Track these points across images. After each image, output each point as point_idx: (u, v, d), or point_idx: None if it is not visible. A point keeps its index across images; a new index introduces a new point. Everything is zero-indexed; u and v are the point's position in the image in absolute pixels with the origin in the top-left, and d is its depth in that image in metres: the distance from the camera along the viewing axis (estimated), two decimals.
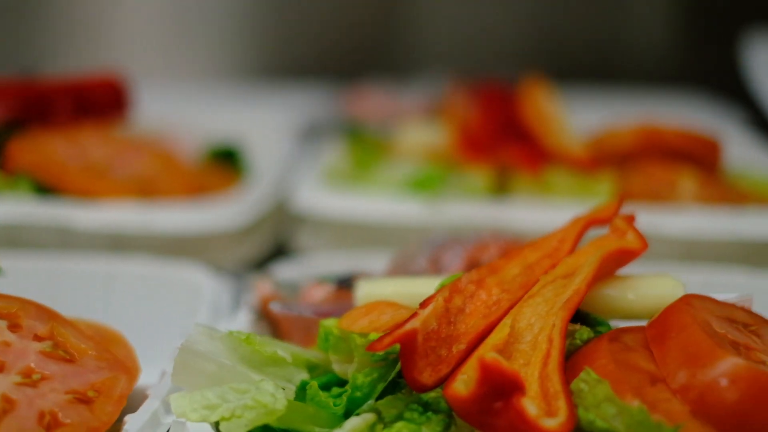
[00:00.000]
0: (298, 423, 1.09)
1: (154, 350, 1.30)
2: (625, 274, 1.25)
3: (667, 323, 1.11)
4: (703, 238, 1.76)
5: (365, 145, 2.21)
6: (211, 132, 2.31)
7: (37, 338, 1.15)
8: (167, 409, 1.15)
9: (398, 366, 1.09)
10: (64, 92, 2.07)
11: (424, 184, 1.90)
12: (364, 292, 1.26)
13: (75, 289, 1.57)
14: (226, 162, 2.19)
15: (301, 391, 1.16)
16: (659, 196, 1.89)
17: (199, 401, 1.08)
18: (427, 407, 1.07)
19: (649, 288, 1.22)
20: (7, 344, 1.12)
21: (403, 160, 2.09)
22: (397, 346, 1.07)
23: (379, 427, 1.07)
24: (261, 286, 1.45)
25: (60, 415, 1.06)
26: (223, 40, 3.25)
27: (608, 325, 1.19)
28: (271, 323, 1.43)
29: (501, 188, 1.93)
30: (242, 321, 1.42)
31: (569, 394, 1.03)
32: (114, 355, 1.18)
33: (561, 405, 1.01)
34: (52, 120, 2.02)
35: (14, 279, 1.44)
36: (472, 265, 1.42)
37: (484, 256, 1.46)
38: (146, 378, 1.25)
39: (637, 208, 1.83)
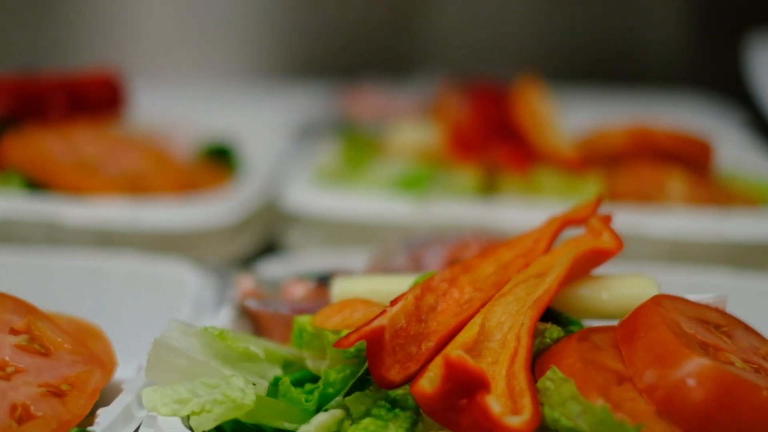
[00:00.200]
0: (267, 418, 1.10)
1: (134, 345, 1.31)
2: (602, 273, 1.26)
3: (636, 323, 1.12)
4: (688, 239, 1.77)
5: (358, 144, 2.22)
6: (208, 130, 2.32)
7: (14, 332, 1.16)
8: (140, 403, 1.17)
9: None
10: (58, 89, 2.08)
11: (412, 184, 1.91)
12: (340, 289, 1.27)
13: (60, 283, 1.59)
14: (220, 160, 2.20)
15: (274, 386, 1.17)
16: (647, 197, 1.90)
17: (171, 396, 1.10)
18: (394, 404, 1.08)
19: (623, 288, 1.22)
20: None
21: (394, 159, 2.09)
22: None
23: (347, 423, 1.08)
24: (242, 283, 1.46)
25: (32, 407, 1.07)
26: (225, 40, 3.26)
27: (580, 325, 1.19)
28: (252, 320, 1.44)
29: (489, 188, 1.93)
30: (224, 317, 1.43)
31: (535, 393, 1.03)
32: (90, 350, 1.19)
33: (526, 403, 1.02)
34: (47, 116, 2.04)
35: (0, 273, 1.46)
36: (453, 264, 1.42)
37: (466, 255, 1.46)
38: (126, 373, 1.27)
39: (624, 208, 1.85)
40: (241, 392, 1.08)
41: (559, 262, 1.19)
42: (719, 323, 1.18)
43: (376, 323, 1.07)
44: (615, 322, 1.19)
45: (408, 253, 1.46)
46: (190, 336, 1.17)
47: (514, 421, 0.99)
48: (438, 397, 1.00)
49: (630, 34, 3.35)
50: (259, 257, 1.86)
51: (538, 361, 1.12)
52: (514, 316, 1.13)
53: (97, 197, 1.83)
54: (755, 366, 1.11)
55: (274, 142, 2.32)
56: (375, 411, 1.07)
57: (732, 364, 1.08)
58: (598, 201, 1.30)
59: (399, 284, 1.23)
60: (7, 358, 1.12)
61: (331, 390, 1.13)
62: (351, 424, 1.07)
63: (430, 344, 1.11)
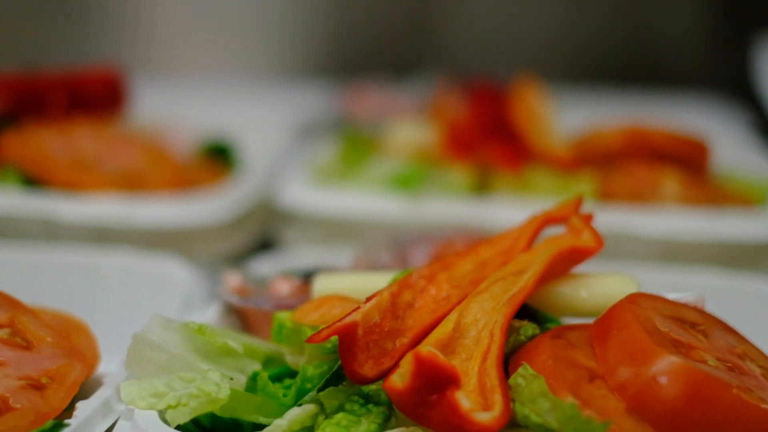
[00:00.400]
0: (243, 412, 1.11)
1: (122, 340, 1.33)
2: (582, 272, 1.26)
3: (610, 321, 1.12)
4: (680, 239, 1.77)
5: (356, 143, 2.23)
6: (209, 128, 2.33)
7: None
8: (120, 396, 1.18)
9: None
10: (59, 86, 2.10)
11: (405, 182, 1.92)
12: (321, 286, 1.28)
13: (52, 279, 1.60)
14: (219, 158, 2.22)
15: (253, 381, 1.18)
16: (641, 197, 1.90)
17: (148, 389, 1.11)
18: (368, 399, 1.09)
19: (602, 286, 1.23)
20: None
21: (391, 158, 2.10)
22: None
23: (321, 417, 1.09)
24: (230, 280, 1.48)
25: (11, 400, 1.09)
26: (230, 39, 3.28)
27: (558, 322, 1.20)
28: (240, 317, 1.45)
29: (482, 186, 1.94)
30: (211, 314, 1.44)
31: (506, 389, 1.04)
32: (71, 344, 1.20)
33: (497, 399, 1.02)
34: (47, 114, 2.05)
35: None
36: None
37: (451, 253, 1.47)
38: (112, 368, 1.28)
39: (616, 207, 1.85)
40: (216, 386, 1.09)
41: (536, 260, 1.20)
42: (696, 322, 1.18)
43: (348, 319, 1.08)
44: (593, 320, 1.19)
45: (394, 251, 1.47)
46: (170, 331, 1.18)
47: (483, 416, 1.00)
48: (409, 392, 1.01)
49: (640, 34, 3.35)
50: (253, 255, 1.87)
51: (512, 358, 1.13)
52: (489, 313, 1.13)
53: (94, 194, 1.85)
54: (729, 365, 1.11)
55: (274, 140, 2.33)
56: (348, 406, 1.08)
57: (704, 362, 1.08)
58: (580, 200, 1.31)
59: (380, 281, 1.24)
60: None
61: (308, 385, 1.15)
62: (325, 419, 1.08)
63: (404, 340, 1.12)
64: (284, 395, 1.15)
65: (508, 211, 1.81)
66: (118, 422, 1.12)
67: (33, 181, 1.89)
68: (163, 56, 3.30)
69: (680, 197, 1.89)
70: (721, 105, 2.88)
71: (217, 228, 1.87)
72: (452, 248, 1.47)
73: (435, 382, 1.01)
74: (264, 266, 1.62)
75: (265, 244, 2.00)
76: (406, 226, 1.82)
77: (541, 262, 1.19)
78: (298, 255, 1.68)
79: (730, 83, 3.09)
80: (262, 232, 2.03)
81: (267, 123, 2.42)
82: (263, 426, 1.10)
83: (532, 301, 1.21)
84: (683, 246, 1.77)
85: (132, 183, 1.92)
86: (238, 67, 3.30)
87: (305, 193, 1.93)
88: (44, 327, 1.20)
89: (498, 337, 1.09)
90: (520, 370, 1.05)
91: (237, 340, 1.21)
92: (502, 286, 1.18)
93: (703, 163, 2.02)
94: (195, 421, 1.13)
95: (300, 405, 1.10)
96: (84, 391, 1.19)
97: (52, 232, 1.80)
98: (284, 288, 1.43)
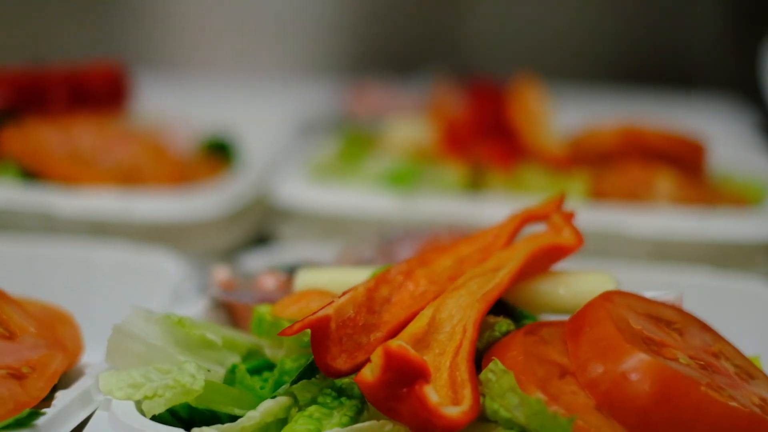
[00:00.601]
0: (218, 404, 1.13)
1: (108, 332, 1.34)
2: (562, 269, 1.27)
3: (583, 318, 1.13)
4: (671, 239, 1.77)
5: (355, 141, 2.25)
6: (211, 124, 2.35)
7: None
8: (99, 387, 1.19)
9: None
10: (61, 82, 2.12)
11: (399, 179, 1.93)
12: (303, 280, 1.29)
13: (46, 271, 1.63)
14: (219, 154, 2.23)
15: (231, 373, 1.19)
16: (635, 196, 1.90)
17: (125, 380, 1.13)
18: (341, 392, 1.10)
19: (580, 284, 1.23)
20: None
21: (388, 155, 2.11)
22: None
23: (294, 410, 1.10)
24: (218, 274, 1.49)
25: None
26: (232, 36, 3.30)
27: (534, 319, 1.21)
28: (228, 311, 1.47)
29: (475, 184, 1.95)
30: (201, 307, 1.45)
31: (476, 384, 1.05)
32: (54, 334, 1.22)
33: (466, 394, 1.03)
34: (48, 109, 2.07)
35: None
36: None
37: None
38: (98, 359, 1.30)
39: (608, 206, 1.85)
40: (192, 378, 1.10)
41: (514, 257, 1.21)
42: (672, 320, 1.19)
43: (321, 313, 1.09)
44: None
45: (380, 247, 1.48)
46: (151, 323, 1.20)
47: (452, 411, 1.01)
48: (379, 385, 1.02)
49: (650, 34, 3.35)
50: (247, 250, 1.89)
51: (486, 353, 1.14)
52: (464, 309, 1.14)
53: (91, 188, 1.87)
54: (702, 363, 1.12)
55: (274, 137, 2.35)
56: (321, 399, 1.09)
57: (675, 360, 1.09)
58: (562, 197, 1.31)
59: (361, 276, 1.25)
60: None
61: (286, 378, 1.16)
62: (298, 411, 1.09)
63: (379, 335, 1.13)
64: (261, 387, 1.16)
65: (500, 209, 1.81)
66: (96, 412, 1.13)
67: (31, 175, 1.91)
68: (166, 53, 3.33)
69: (674, 197, 1.90)
70: (731, 106, 2.88)
71: (214, 223, 1.88)
72: (438, 245, 1.48)
73: (405, 376, 1.02)
74: (254, 261, 1.64)
75: (261, 240, 2.01)
76: (399, 223, 1.83)
77: (519, 259, 1.20)
78: (287, 250, 1.70)
79: (741, 85, 3.09)
80: (259, 228, 2.04)
81: (269, 120, 2.44)
82: (239, 417, 1.12)
83: (511, 297, 1.22)
84: (675, 246, 1.78)
85: (130, 178, 1.94)
86: (242, 63, 3.31)
87: (302, 190, 1.94)
88: (28, 318, 1.22)
89: (470, 333, 1.10)
90: (490, 365, 1.06)
91: (217, 333, 1.22)
92: (478, 282, 1.19)
93: (698, 163, 2.02)
94: (173, 412, 1.14)
95: (273, 397, 1.11)
96: (67, 382, 1.21)
97: (49, 226, 1.82)
98: (270, 283, 1.45)
